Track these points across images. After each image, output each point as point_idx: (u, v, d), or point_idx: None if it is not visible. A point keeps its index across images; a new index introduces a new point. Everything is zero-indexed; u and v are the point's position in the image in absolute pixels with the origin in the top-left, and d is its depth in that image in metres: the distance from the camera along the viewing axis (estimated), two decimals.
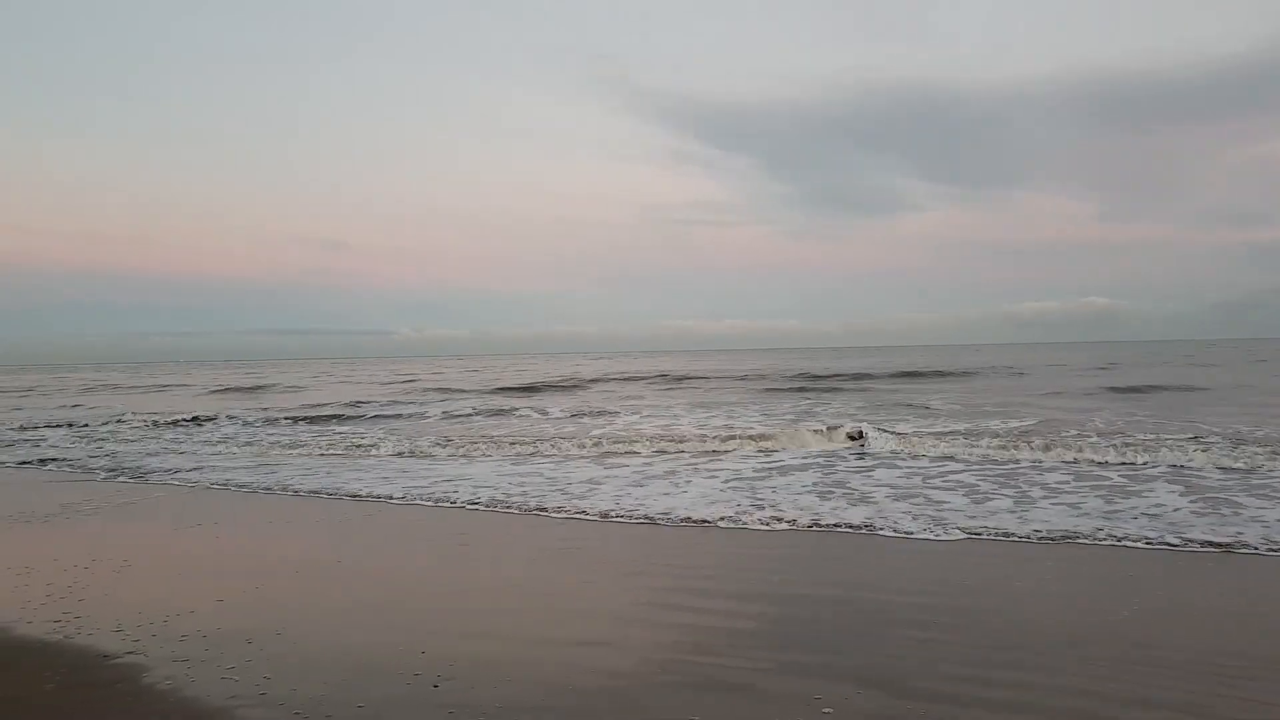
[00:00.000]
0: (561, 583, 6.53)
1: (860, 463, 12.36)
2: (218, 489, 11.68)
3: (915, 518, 8.32)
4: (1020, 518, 8.25)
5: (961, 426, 17.00)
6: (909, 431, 15.95)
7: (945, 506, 8.91)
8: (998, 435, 14.64)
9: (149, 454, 16.03)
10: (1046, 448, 12.81)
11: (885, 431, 15.03)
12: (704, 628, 5.25)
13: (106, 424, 22.87)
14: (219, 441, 18.04)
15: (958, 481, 10.48)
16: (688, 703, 4.06)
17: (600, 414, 22.64)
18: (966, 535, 7.63)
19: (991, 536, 7.57)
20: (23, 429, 22.11)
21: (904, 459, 12.59)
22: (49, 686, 4.41)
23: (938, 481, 10.53)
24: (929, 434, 15.48)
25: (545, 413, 23.40)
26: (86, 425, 22.70)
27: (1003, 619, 5.34)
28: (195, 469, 13.75)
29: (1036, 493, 9.62)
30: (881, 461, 12.46)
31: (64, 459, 15.63)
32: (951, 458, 12.45)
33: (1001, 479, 10.58)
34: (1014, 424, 17.19)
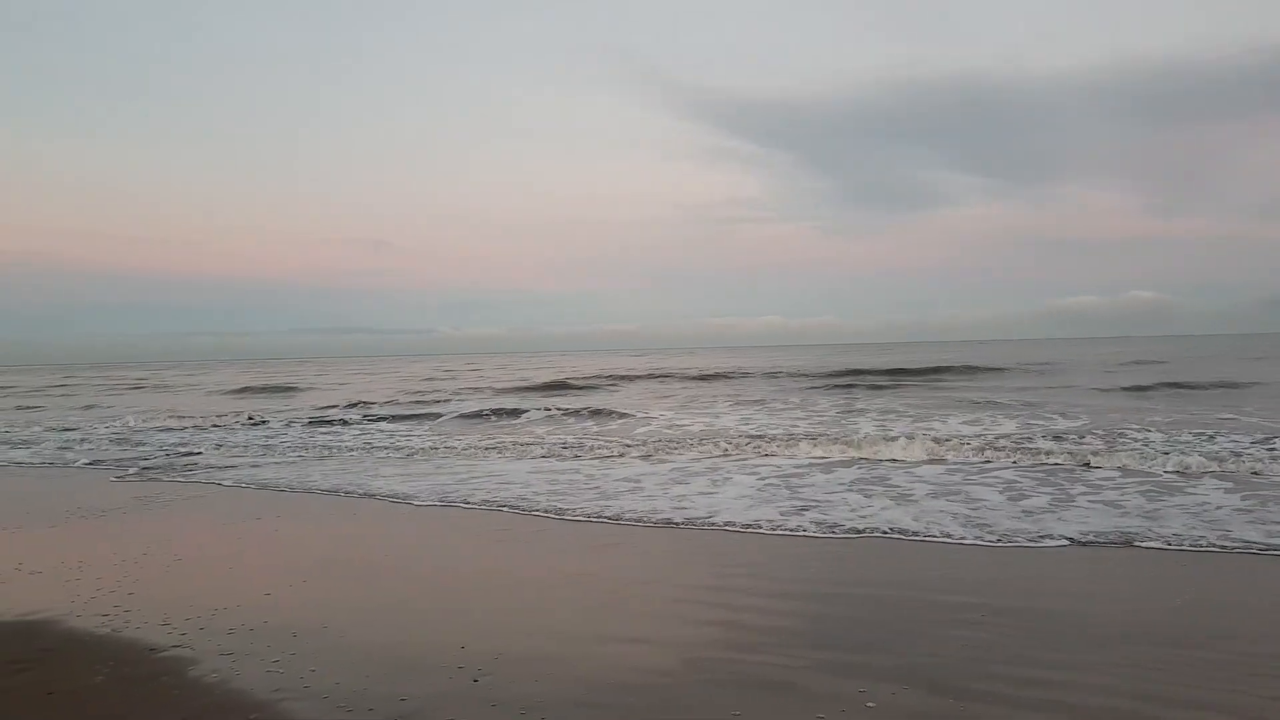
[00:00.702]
0: (599, 580, 6.54)
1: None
2: (267, 487, 11.81)
3: (956, 516, 8.22)
4: (1060, 516, 8.14)
5: (1010, 423, 16.74)
6: (961, 428, 15.79)
7: (984, 505, 8.78)
8: (1049, 434, 14.40)
9: (201, 452, 16.29)
10: (1095, 446, 12.59)
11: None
12: (742, 625, 5.23)
13: (156, 421, 23.27)
14: (269, 440, 18.28)
15: (1000, 479, 10.32)
16: (728, 700, 4.05)
17: (640, 412, 22.60)
18: (1009, 534, 7.51)
19: (1033, 536, 7.45)
20: (58, 429, 22.55)
21: (949, 456, 12.39)
22: (98, 679, 4.49)
23: (979, 479, 10.38)
24: (972, 431, 15.31)
25: (583, 411, 23.40)
26: (134, 425, 23.10)
27: (1046, 618, 5.26)
28: (248, 467, 13.94)
29: (1078, 490, 9.47)
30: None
31: (117, 457, 15.93)
32: (995, 455, 12.22)
33: (1044, 476, 10.41)
34: (1062, 421, 16.88)
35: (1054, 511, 8.38)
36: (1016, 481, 10.12)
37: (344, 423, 21.69)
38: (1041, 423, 16.94)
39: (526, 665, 4.57)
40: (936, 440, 13.35)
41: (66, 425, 23.40)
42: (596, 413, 22.59)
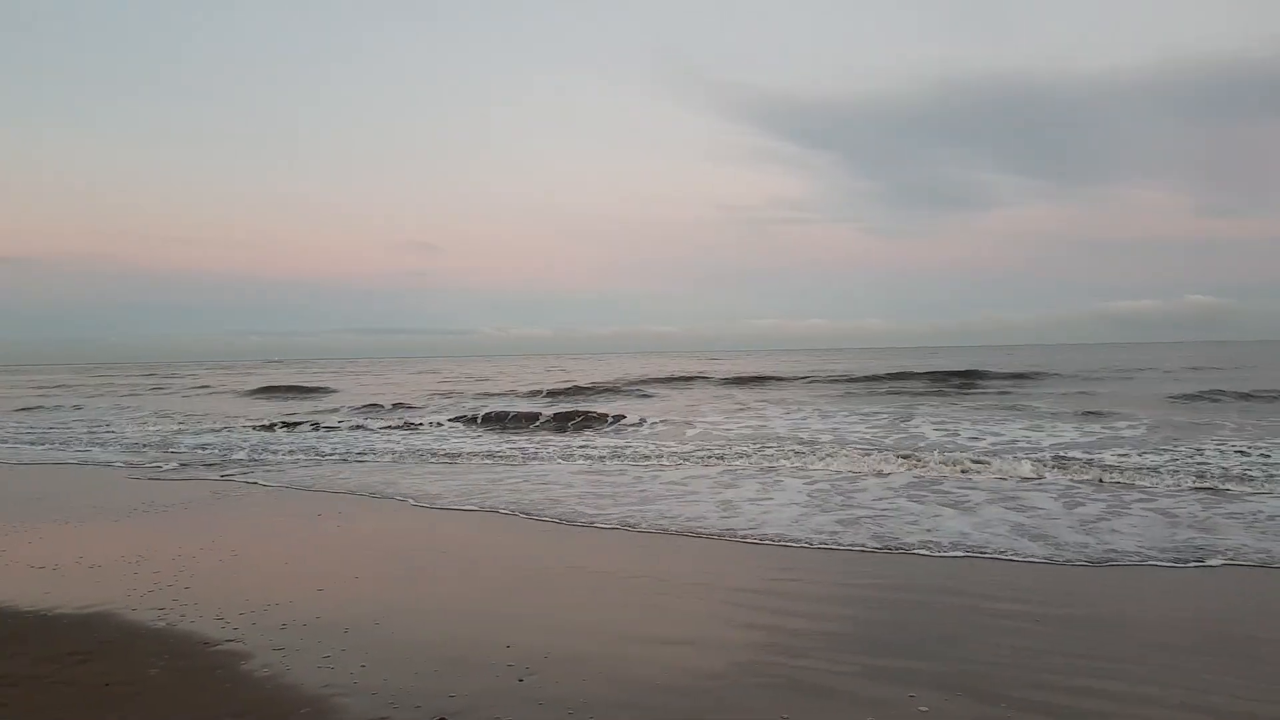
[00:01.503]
0: (644, 582, 6.54)
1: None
2: (318, 487, 11.98)
3: (1011, 525, 8.07)
4: (1115, 526, 7.96)
5: (1069, 429, 16.38)
6: (1022, 434, 15.55)
7: (1041, 514, 8.60)
8: (1112, 441, 14.09)
9: (257, 451, 16.60)
10: (1152, 456, 12.31)
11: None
12: (788, 630, 5.20)
13: (220, 423, 23.73)
14: (320, 440, 18.55)
15: (1057, 487, 10.10)
16: (776, 704, 4.03)
17: (687, 415, 22.53)
18: (1061, 543, 7.37)
19: (1087, 545, 7.30)
20: (91, 428, 23.03)
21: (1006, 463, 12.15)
22: (153, 671, 4.58)
23: (1035, 486, 10.19)
24: (1030, 436, 15.06)
25: (630, 415, 23.42)
26: (200, 426, 23.53)
27: (1096, 626, 5.18)
28: (301, 466, 14.18)
29: (1131, 496, 9.29)
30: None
31: (176, 455, 16.29)
32: (1056, 463, 11.93)
33: (1104, 485, 10.18)
34: (1125, 429, 16.38)
35: (1108, 520, 8.21)
36: (1074, 488, 9.90)
37: (396, 426, 21.90)
38: (1102, 429, 16.53)
39: (572, 665, 4.58)
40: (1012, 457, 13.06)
41: (128, 422, 23.99)
42: (640, 415, 22.60)
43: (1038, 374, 34.25)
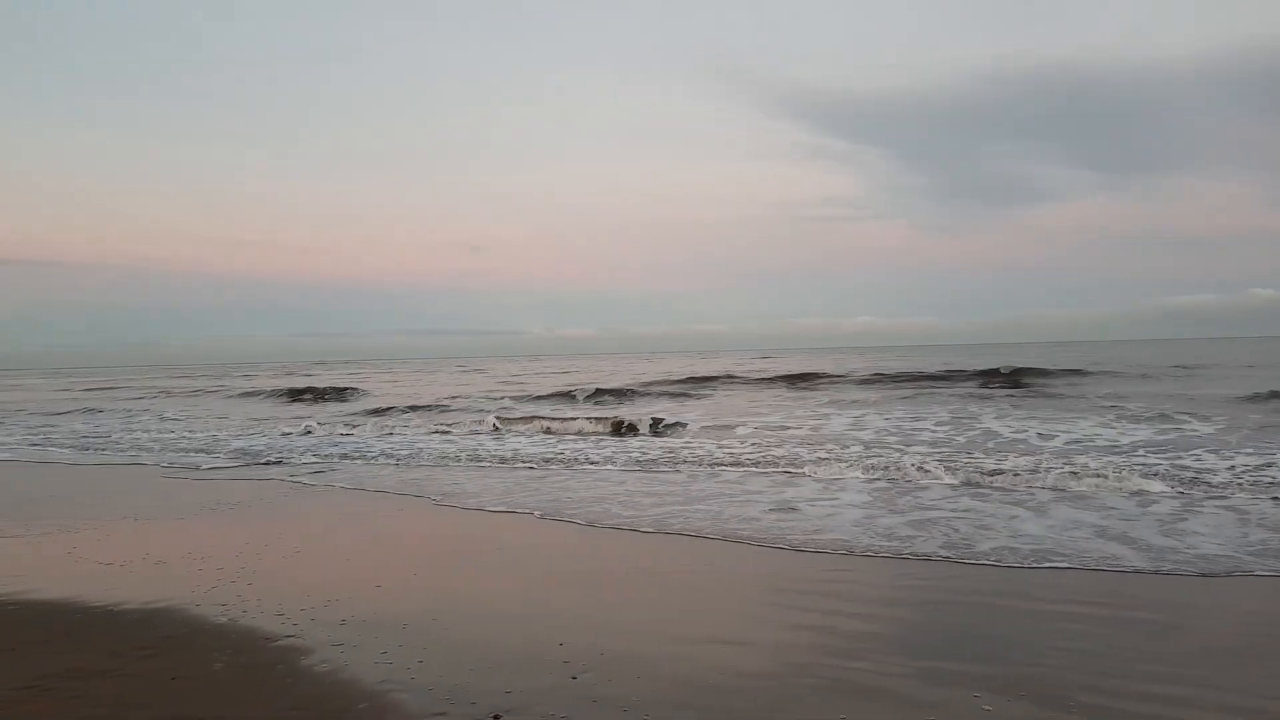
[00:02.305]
0: (695, 581, 6.53)
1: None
2: (380, 487, 12.15)
3: (1095, 529, 7.89)
4: (1181, 528, 7.75)
5: (1142, 428, 15.85)
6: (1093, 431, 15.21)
7: (1115, 513, 8.41)
8: (1193, 441, 13.69)
9: (316, 451, 16.88)
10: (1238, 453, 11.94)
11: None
12: (840, 631, 5.17)
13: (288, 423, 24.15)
14: (380, 440, 18.80)
15: (1129, 488, 9.80)
16: (830, 706, 4.01)
17: (740, 414, 22.39)
18: (1124, 543, 7.20)
19: (1151, 548, 7.13)
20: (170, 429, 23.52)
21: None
22: (217, 666, 4.69)
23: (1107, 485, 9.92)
24: (1104, 434, 14.73)
25: (679, 414, 23.37)
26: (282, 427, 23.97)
27: (1155, 630, 5.08)
28: (364, 465, 14.39)
29: (1199, 494, 9.05)
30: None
31: (240, 454, 16.63)
32: (1133, 462, 11.60)
33: (1181, 486, 9.84)
34: (1200, 428, 15.74)
35: (1182, 519, 8.01)
36: (1146, 490, 9.62)
37: (447, 427, 22.09)
38: (1174, 428, 15.94)
39: (626, 664, 4.60)
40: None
41: (186, 423, 24.56)
42: (690, 415, 22.53)
43: (1098, 371, 33.35)
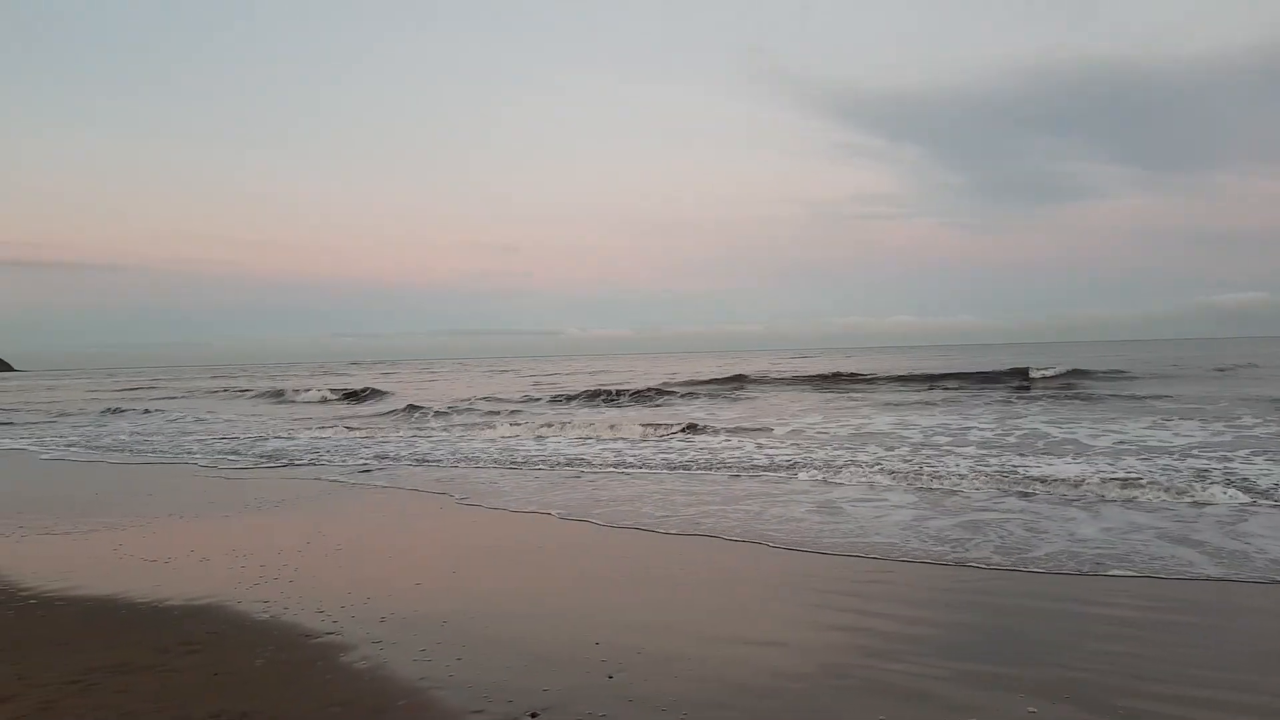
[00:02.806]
0: (730, 582, 6.51)
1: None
2: (420, 487, 12.24)
3: (1160, 532, 7.74)
4: (1242, 530, 7.55)
5: (1194, 427, 15.40)
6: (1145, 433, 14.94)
7: (1170, 516, 8.20)
8: (1248, 441, 13.34)
9: (356, 450, 17.05)
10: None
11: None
12: (878, 632, 5.13)
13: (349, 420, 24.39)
14: (421, 440, 18.94)
15: (1183, 490, 9.56)
16: (864, 707, 3.99)
17: (778, 413, 22.29)
18: (1188, 546, 7.06)
19: (1219, 551, 6.97)
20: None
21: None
22: (258, 662, 4.75)
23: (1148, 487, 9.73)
24: (1156, 435, 14.46)
25: (717, 414, 23.29)
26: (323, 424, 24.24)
27: (1203, 634, 4.98)
28: (406, 465, 14.51)
29: (1256, 496, 8.81)
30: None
31: (282, 454, 16.85)
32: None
33: (1237, 488, 9.56)
34: (1252, 428, 15.25)
35: (1229, 523, 7.82)
36: (1203, 492, 9.37)
37: (484, 427, 22.22)
38: (1228, 427, 15.43)
39: (661, 664, 4.59)
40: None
41: (229, 423, 24.91)
42: (728, 415, 22.48)
43: (1143, 373, 32.67)
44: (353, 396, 37.98)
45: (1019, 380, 30.28)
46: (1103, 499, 9.12)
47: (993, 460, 12.17)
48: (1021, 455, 12.66)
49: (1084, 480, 10.02)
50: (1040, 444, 14.17)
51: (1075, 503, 8.98)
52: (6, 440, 21.16)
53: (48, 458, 17.06)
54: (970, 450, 13.48)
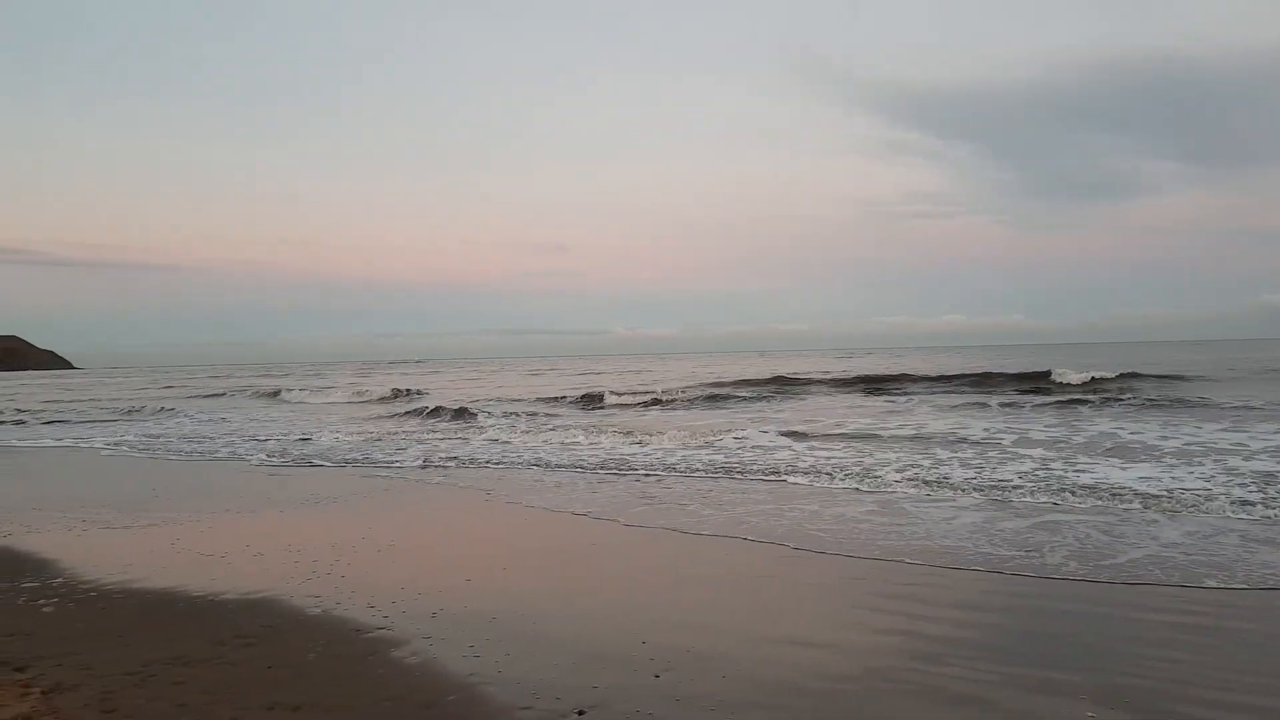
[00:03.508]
0: (779, 583, 6.47)
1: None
2: (473, 484, 12.33)
3: (1212, 529, 7.55)
4: None
5: (1270, 430, 14.75)
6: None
7: (1245, 522, 8.03)
8: None
9: (409, 447, 17.22)
10: None
11: None
12: (925, 635, 5.07)
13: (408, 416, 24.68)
14: (474, 438, 19.08)
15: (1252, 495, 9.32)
16: (911, 710, 3.96)
17: (830, 414, 22.04)
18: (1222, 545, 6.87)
19: (1253, 553, 6.78)
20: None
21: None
22: (311, 656, 4.82)
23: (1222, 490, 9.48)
24: (1231, 438, 14.06)
25: (767, 415, 23.08)
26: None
27: (1258, 641, 4.87)
28: (457, 467, 14.63)
29: None
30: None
31: (337, 450, 17.07)
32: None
33: None
34: None
35: None
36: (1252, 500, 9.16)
37: (536, 428, 22.33)
38: None
39: (708, 663, 4.58)
40: None
41: (281, 420, 25.32)
42: (779, 416, 22.29)
43: (1206, 371, 31.55)
44: (404, 394, 38.34)
45: (1079, 381, 29.21)
46: (1179, 503, 8.91)
47: (1056, 464, 11.91)
48: (1090, 456, 12.43)
49: (1152, 478, 9.80)
50: (1109, 444, 13.84)
51: (1156, 506, 8.76)
52: (67, 437, 21.74)
53: (107, 454, 17.49)
54: (1039, 451, 13.16)
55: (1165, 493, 9.41)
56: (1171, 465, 11.39)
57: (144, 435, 21.53)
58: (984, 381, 30.75)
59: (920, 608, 5.63)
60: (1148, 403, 21.62)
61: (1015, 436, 15.41)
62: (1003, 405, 22.77)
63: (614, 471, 12.69)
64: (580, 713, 3.94)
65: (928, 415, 20.69)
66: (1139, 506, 8.76)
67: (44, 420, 28.32)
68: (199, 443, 19.15)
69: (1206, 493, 9.33)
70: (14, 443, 20.62)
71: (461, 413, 25.41)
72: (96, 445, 19.21)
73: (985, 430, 16.46)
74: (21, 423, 27.61)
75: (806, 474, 11.69)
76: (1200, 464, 11.40)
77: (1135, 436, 14.81)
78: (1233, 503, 8.78)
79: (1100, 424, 17.11)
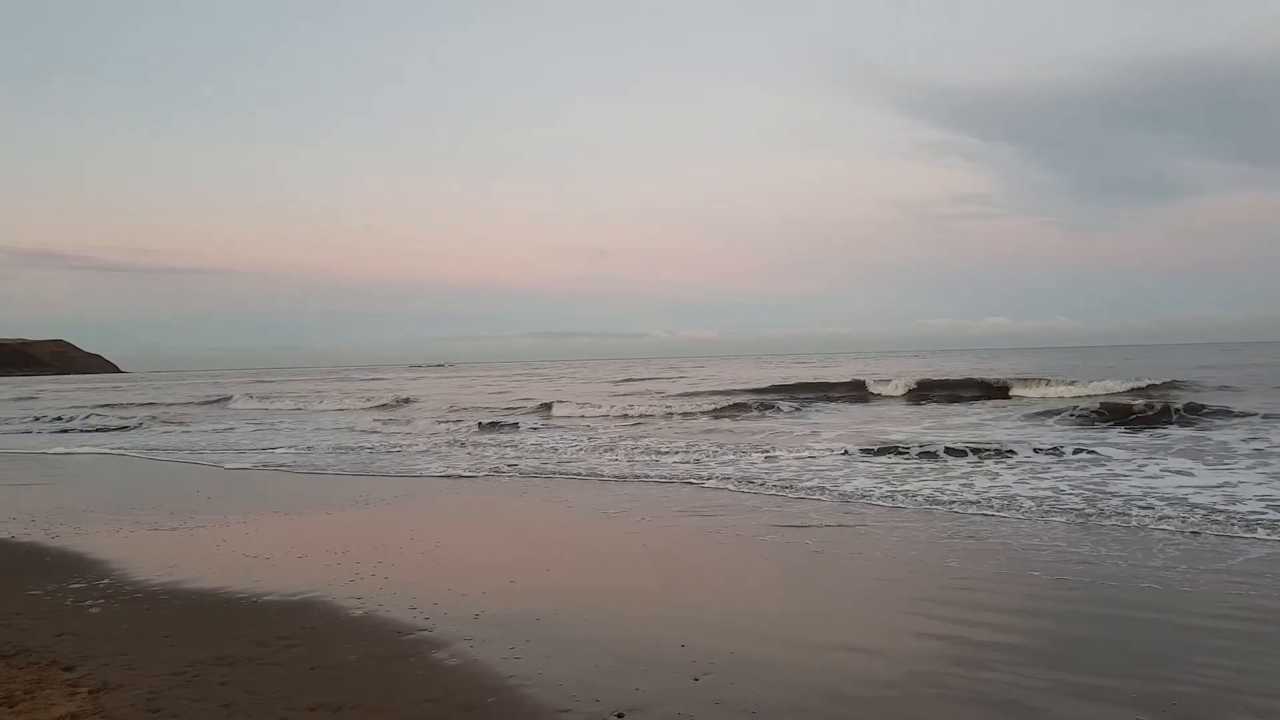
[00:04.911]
0: (820, 586, 6.44)
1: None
2: (521, 488, 12.39)
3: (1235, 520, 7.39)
4: None
5: None
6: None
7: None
8: None
9: (451, 450, 17.34)
10: None
11: None
12: (971, 640, 5.00)
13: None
14: (524, 442, 19.17)
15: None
16: (955, 717, 3.85)
17: (873, 420, 21.81)
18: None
19: None
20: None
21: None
22: (352, 657, 4.85)
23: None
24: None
25: (810, 418, 22.89)
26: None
27: None
28: (505, 468, 14.72)
29: None
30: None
31: (378, 454, 17.23)
32: None
33: None
34: None
35: None
36: None
37: (579, 431, 22.35)
38: None
39: (748, 668, 4.55)
40: None
41: (334, 424, 25.60)
42: (826, 421, 22.14)
43: (1235, 380, 29.82)
44: (445, 400, 38.60)
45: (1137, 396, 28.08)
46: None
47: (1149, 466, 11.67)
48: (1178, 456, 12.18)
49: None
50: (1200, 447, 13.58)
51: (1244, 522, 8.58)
52: (118, 440, 22.14)
53: (156, 460, 17.76)
54: (1120, 451, 12.97)
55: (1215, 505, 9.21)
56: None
57: (182, 440, 21.86)
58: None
59: (965, 612, 5.55)
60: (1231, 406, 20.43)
61: (1079, 444, 15.13)
62: (1068, 413, 22.40)
63: (658, 482, 12.66)
64: (619, 715, 3.93)
65: (988, 417, 20.42)
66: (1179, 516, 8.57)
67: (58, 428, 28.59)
68: (232, 446, 19.41)
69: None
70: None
71: (509, 413, 25.56)
72: (137, 450, 19.50)
73: (1072, 439, 16.06)
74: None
75: (867, 480, 11.62)
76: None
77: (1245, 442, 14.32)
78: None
79: (1187, 429, 16.79)
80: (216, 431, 23.81)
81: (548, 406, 28.47)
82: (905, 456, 13.43)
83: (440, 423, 23.89)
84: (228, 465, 15.66)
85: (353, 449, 17.65)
